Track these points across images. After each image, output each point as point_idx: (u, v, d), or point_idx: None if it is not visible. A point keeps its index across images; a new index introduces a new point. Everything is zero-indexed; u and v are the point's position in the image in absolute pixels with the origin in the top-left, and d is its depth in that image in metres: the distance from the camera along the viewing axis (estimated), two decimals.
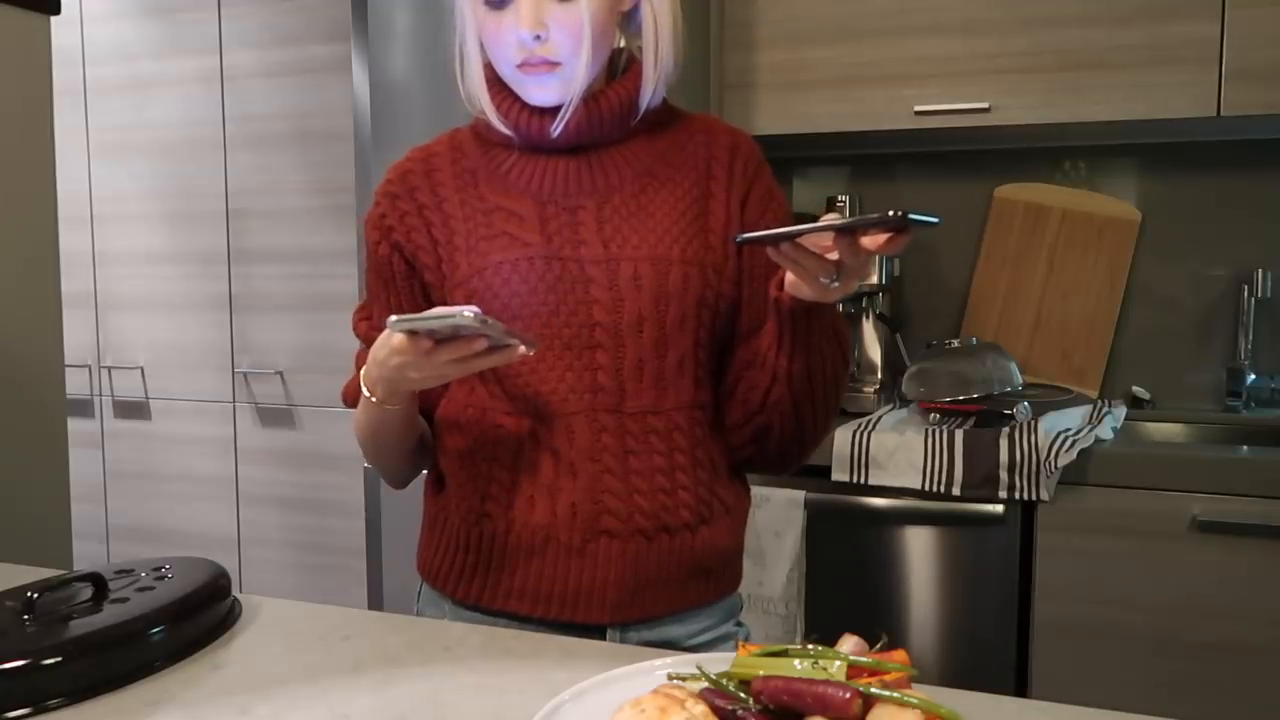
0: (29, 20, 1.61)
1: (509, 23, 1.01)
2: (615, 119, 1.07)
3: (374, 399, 1.02)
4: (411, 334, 0.91)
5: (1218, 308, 2.25)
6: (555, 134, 1.05)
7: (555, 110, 1.05)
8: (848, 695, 0.65)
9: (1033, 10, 2.02)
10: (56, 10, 1.64)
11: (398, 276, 1.11)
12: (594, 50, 1.02)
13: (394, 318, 0.88)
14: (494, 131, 1.09)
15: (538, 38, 1.00)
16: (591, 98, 1.05)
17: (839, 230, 0.87)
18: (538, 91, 1.04)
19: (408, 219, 1.09)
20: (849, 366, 1.10)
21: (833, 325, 1.03)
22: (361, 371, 1.03)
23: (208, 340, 2.79)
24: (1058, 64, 2.02)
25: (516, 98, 1.06)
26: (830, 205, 2.31)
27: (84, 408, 2.95)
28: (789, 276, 0.97)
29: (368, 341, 1.14)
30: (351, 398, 1.12)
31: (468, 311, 0.84)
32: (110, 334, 2.91)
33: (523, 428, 1.05)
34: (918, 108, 2.10)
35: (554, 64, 1.02)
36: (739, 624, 1.15)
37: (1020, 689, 1.85)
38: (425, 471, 1.18)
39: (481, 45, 1.07)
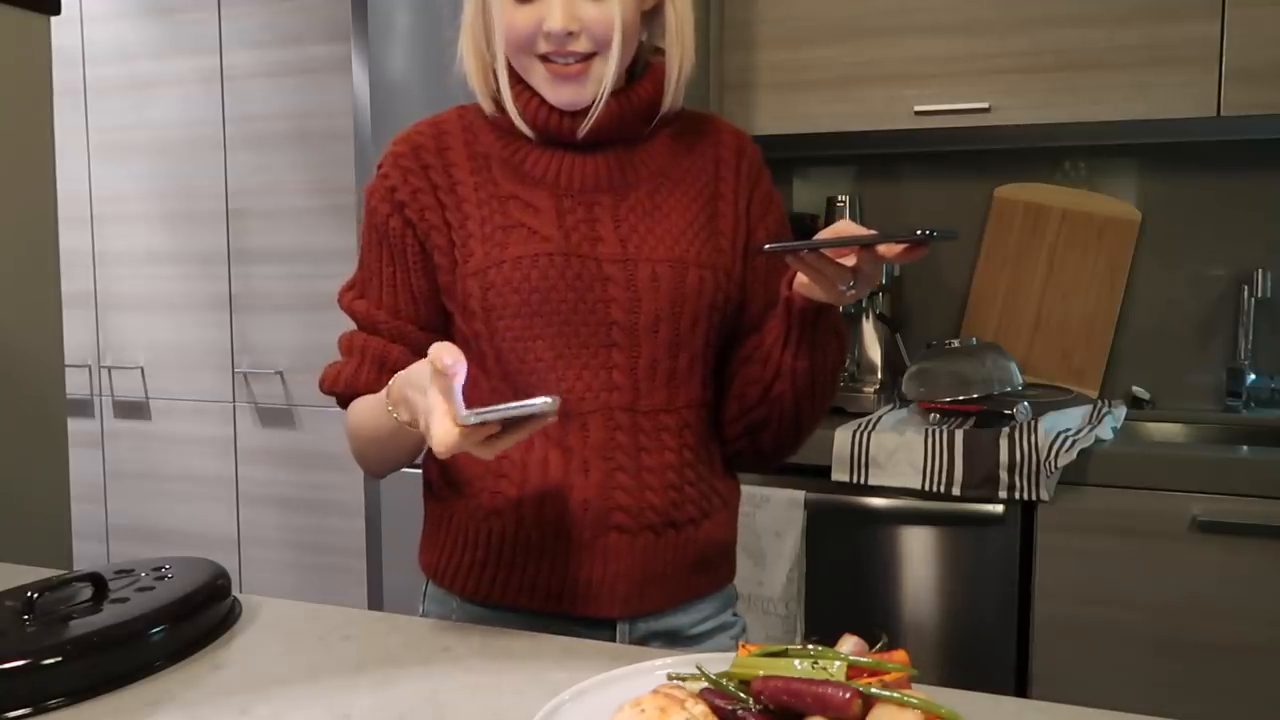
0: (29, 20, 1.61)
1: (534, 16, 1.00)
2: (639, 118, 1.07)
3: (396, 415, 0.95)
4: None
5: (1218, 308, 2.25)
6: (581, 136, 1.04)
7: (578, 110, 1.04)
8: (848, 695, 0.65)
9: (1032, 10, 2.02)
10: (56, 10, 1.64)
11: (409, 253, 1.07)
12: (623, 49, 1.01)
13: (465, 413, 0.83)
14: (507, 118, 1.07)
15: (570, 34, 0.99)
16: (615, 97, 1.04)
17: (864, 245, 0.88)
18: (563, 93, 1.02)
19: (421, 196, 1.06)
20: (845, 364, 1.11)
21: (835, 325, 1.05)
22: (388, 389, 0.96)
23: (208, 340, 2.79)
24: (1057, 64, 2.02)
25: (534, 94, 1.05)
26: (830, 205, 2.31)
27: (84, 408, 2.95)
28: (800, 277, 0.98)
29: (366, 322, 1.09)
30: (342, 386, 1.08)
31: (547, 400, 0.81)
32: (110, 334, 2.91)
33: None
34: (918, 108, 2.10)
35: (583, 63, 1.01)
36: (735, 614, 1.17)
37: (1020, 689, 1.85)
38: (421, 470, 1.17)
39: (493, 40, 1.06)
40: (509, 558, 1.06)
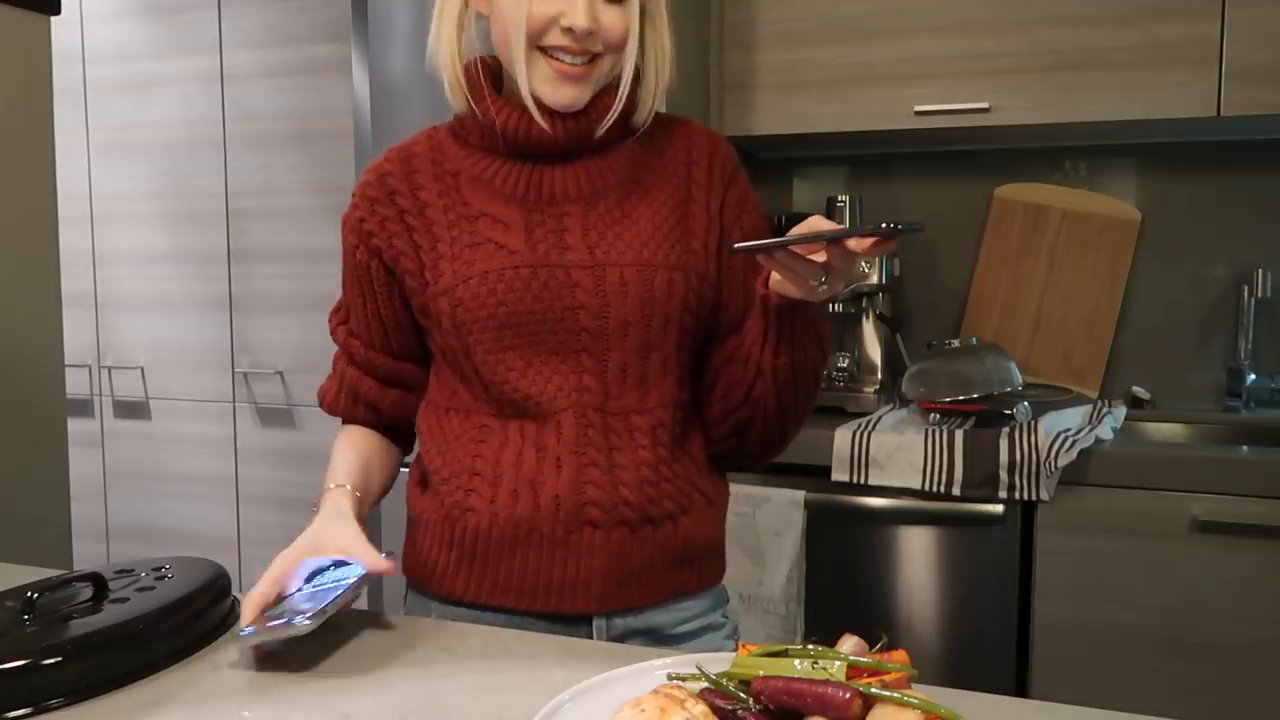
0: (29, 20, 1.61)
1: (552, 9, 1.00)
2: (613, 128, 1.07)
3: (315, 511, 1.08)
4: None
5: (1218, 308, 2.25)
6: (600, 133, 1.05)
7: (560, 114, 1.04)
8: (848, 695, 0.65)
9: (1032, 10, 2.02)
10: (56, 10, 1.64)
11: (376, 283, 1.11)
12: (629, 54, 1.04)
13: (248, 629, 0.90)
14: (473, 134, 1.09)
15: (590, 33, 1.00)
16: (591, 102, 1.05)
17: (831, 240, 0.89)
18: (563, 92, 1.03)
19: (388, 224, 1.09)
20: (827, 361, 1.11)
21: (814, 322, 1.05)
22: (325, 494, 1.08)
23: (208, 340, 2.79)
24: (1057, 64, 2.02)
25: (514, 107, 1.05)
26: (830, 205, 2.31)
27: (84, 408, 2.95)
28: (774, 274, 0.98)
29: (347, 349, 1.16)
30: (326, 408, 1.17)
31: (307, 621, 0.88)
32: (110, 334, 2.91)
33: (507, 425, 1.06)
34: (918, 108, 2.10)
35: (589, 65, 1.02)
36: (725, 616, 1.16)
37: (1020, 689, 1.85)
38: (408, 473, 1.19)
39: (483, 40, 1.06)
40: (483, 554, 1.06)
